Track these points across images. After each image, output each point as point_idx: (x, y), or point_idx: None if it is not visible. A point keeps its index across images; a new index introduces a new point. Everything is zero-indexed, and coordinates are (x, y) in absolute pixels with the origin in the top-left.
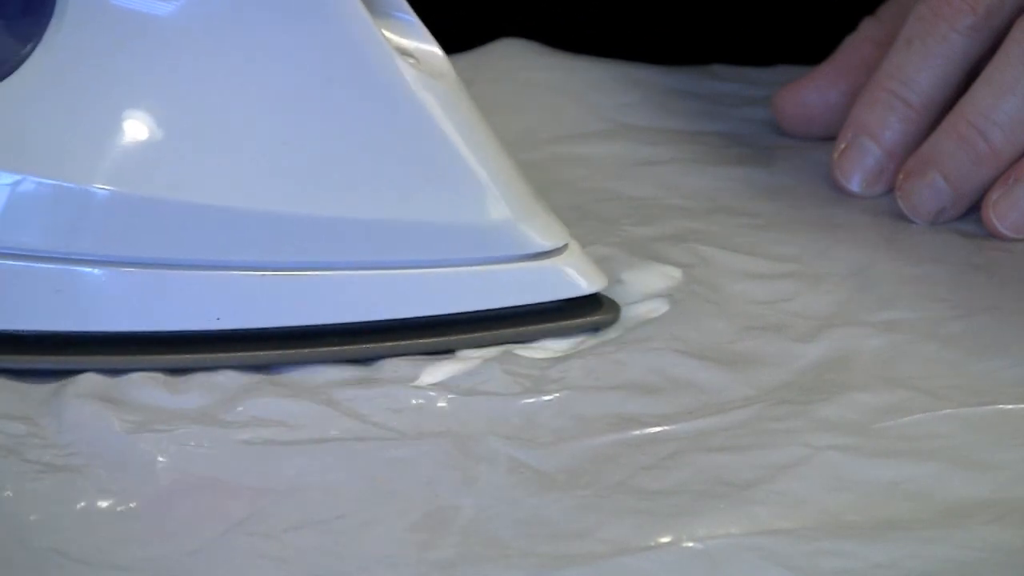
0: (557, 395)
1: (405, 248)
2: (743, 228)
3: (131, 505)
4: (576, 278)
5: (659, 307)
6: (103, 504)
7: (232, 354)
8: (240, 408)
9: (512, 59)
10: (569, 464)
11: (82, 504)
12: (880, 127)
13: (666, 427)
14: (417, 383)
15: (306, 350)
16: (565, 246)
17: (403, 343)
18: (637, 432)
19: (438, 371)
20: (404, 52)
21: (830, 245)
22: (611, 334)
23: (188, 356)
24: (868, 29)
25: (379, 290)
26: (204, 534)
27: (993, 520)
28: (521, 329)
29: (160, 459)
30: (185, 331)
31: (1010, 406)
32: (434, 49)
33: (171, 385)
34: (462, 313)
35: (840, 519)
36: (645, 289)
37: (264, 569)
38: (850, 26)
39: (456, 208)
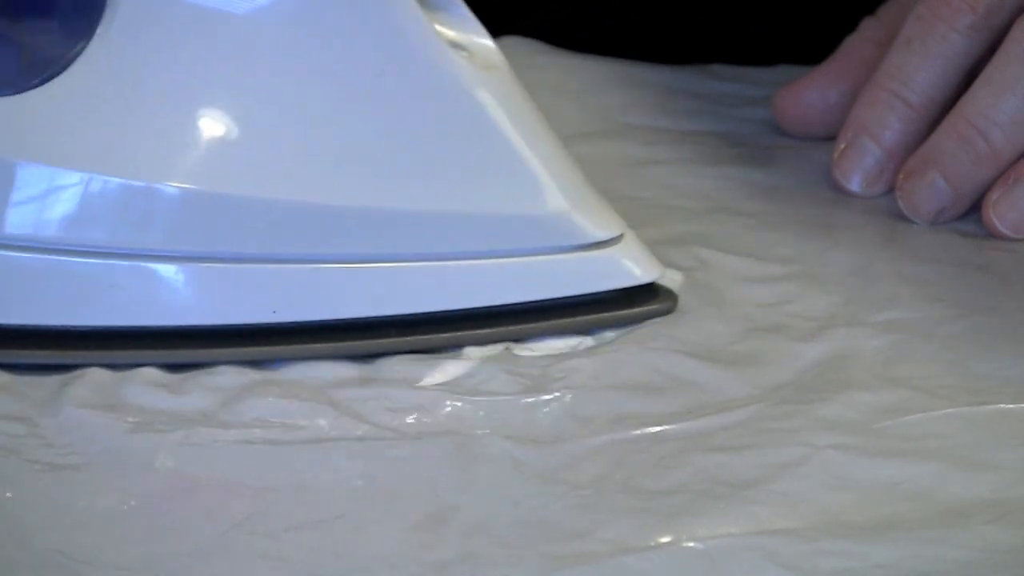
0: (557, 395)
1: (460, 240)
2: (743, 228)
3: (131, 505)
4: (631, 267)
5: None
6: (103, 504)
7: (288, 347)
8: (240, 408)
9: (512, 59)
10: (569, 464)
11: (82, 504)
12: (880, 127)
13: (666, 427)
14: (417, 383)
15: (362, 342)
16: (621, 236)
17: (459, 334)
18: (637, 432)
19: (439, 371)
20: (457, 45)
21: (830, 245)
22: (611, 335)
23: (239, 350)
24: (868, 29)
25: (435, 281)
26: (204, 534)
27: (993, 520)
28: (577, 319)
29: (160, 459)
30: (244, 324)
31: (1010, 406)
32: (486, 42)
33: (172, 386)
34: (519, 303)
35: (840, 519)
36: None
37: (264, 569)
38: (850, 26)
39: (510, 199)
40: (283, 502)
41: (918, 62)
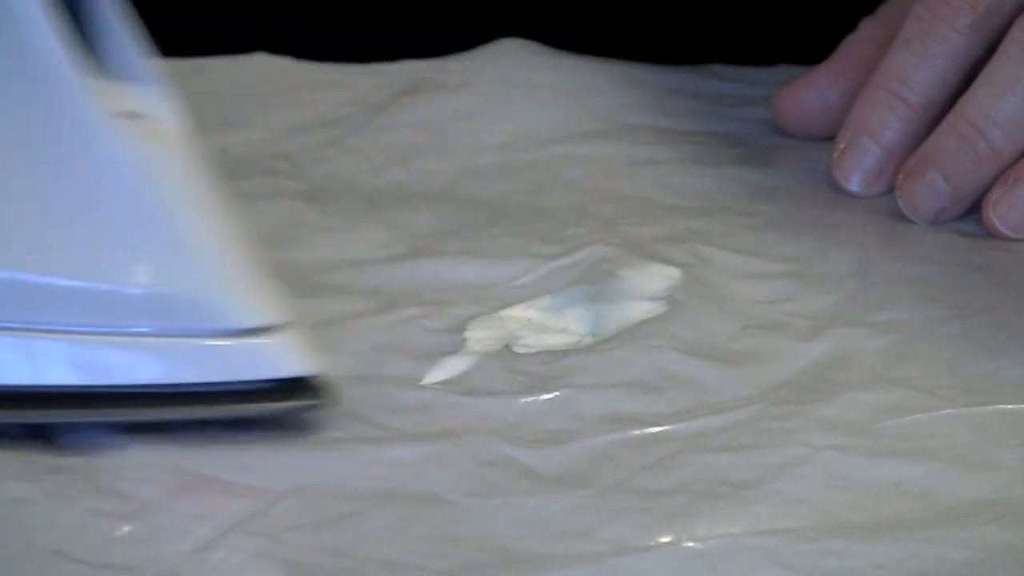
0: (557, 394)
1: (98, 313)
2: (743, 228)
3: (131, 505)
4: (278, 360)
5: (659, 307)
6: (103, 504)
7: None
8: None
9: (512, 59)
10: (569, 464)
11: (82, 504)
12: (879, 127)
13: (666, 427)
14: (418, 382)
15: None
16: (278, 326)
17: (91, 411)
18: (637, 432)
19: (438, 370)
20: (128, 115)
21: (830, 245)
22: (611, 334)
23: None
24: (868, 29)
25: (61, 355)
26: (204, 534)
27: (993, 520)
28: (217, 407)
29: (160, 459)
30: None
31: (1010, 406)
32: (166, 114)
33: None
34: (156, 385)
35: (840, 519)
36: (645, 289)
37: (264, 569)
38: (850, 26)
39: (155, 276)
40: (283, 503)
41: (917, 62)
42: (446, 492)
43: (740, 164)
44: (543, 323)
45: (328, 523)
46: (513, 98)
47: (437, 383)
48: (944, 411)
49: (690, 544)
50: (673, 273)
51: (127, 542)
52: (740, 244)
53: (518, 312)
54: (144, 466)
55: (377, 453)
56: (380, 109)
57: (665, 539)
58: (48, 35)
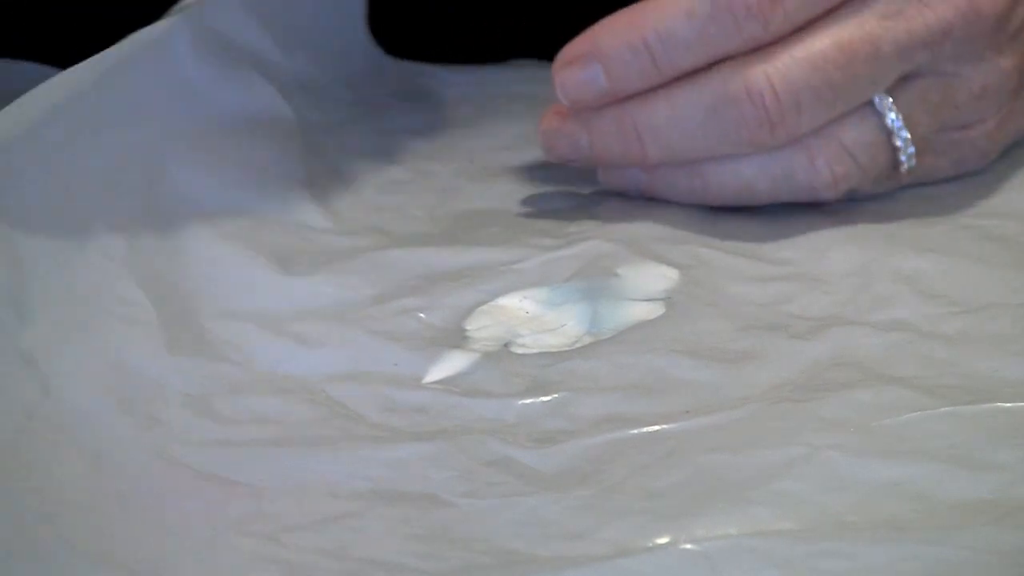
0: (556, 395)
1: None
2: (742, 228)
3: (130, 504)
4: None
5: (657, 308)
6: (103, 503)
7: None
8: (239, 407)
9: (516, 73)
10: (568, 465)
11: (82, 503)
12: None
13: (664, 427)
14: (417, 382)
15: None
16: None
17: None
18: (635, 432)
19: (437, 369)
20: None
21: (829, 245)
22: (609, 335)
23: None
24: None
25: None
26: (203, 534)
27: (994, 521)
28: None
29: (160, 458)
30: None
31: (1010, 405)
32: None
33: (171, 385)
34: None
35: (840, 519)
36: (643, 290)
37: (263, 570)
38: None
39: None
40: (282, 502)
41: None
42: (444, 493)
43: None
44: (541, 320)
45: (326, 523)
46: (513, 108)
47: (436, 383)
48: (944, 410)
49: (689, 545)
50: (671, 274)
51: (126, 541)
52: (739, 244)
53: (515, 302)
54: (142, 465)
55: (375, 453)
56: (380, 108)
57: (664, 540)
58: None
